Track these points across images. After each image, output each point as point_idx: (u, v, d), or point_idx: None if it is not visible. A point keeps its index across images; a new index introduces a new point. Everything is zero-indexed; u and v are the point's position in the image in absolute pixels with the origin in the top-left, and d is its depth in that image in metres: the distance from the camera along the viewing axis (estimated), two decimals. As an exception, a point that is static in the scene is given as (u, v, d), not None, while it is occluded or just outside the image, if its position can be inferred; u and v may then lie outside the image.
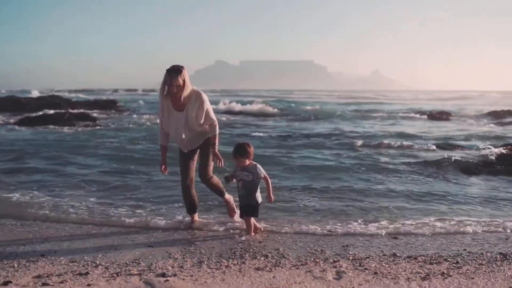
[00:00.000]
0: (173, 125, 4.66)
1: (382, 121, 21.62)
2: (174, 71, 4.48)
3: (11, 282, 3.20)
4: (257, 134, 14.83)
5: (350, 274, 3.49)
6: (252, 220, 4.65)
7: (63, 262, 3.69)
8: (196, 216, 5.04)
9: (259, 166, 4.60)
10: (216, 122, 4.81)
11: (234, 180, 4.65)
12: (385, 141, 12.29)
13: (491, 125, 19.37)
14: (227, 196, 5.03)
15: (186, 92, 4.56)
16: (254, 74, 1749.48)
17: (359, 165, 8.87)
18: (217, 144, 4.82)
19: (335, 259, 3.86)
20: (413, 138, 13.91)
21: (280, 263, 3.75)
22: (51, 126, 16.96)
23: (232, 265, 3.68)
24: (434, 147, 11.39)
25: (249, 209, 4.58)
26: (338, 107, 33.34)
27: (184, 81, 4.50)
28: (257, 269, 3.59)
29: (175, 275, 3.40)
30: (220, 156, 4.79)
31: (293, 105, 35.37)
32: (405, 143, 11.97)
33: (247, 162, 4.57)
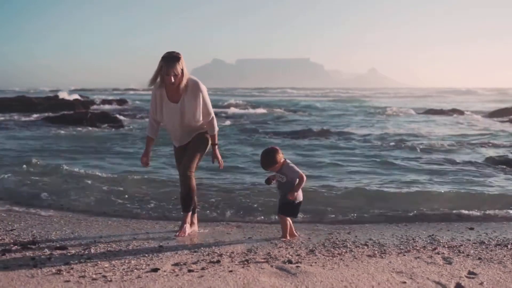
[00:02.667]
0: (168, 117, 4.34)
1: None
2: (172, 59, 4.09)
3: (159, 269, 3.50)
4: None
5: (456, 259, 3.80)
6: (289, 222, 4.48)
7: (185, 253, 3.97)
8: (194, 218, 4.77)
9: (291, 165, 4.37)
10: (214, 117, 4.48)
11: (272, 182, 4.46)
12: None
13: None
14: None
15: (183, 82, 4.20)
16: (250, 72, 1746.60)
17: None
18: (217, 143, 4.60)
19: (433, 247, 4.17)
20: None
21: (385, 251, 4.06)
22: (73, 127, 16.94)
23: (343, 253, 3.98)
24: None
25: (285, 207, 4.41)
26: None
27: (182, 69, 4.15)
28: (369, 256, 3.89)
29: (300, 262, 3.70)
30: (220, 158, 4.61)
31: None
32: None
33: (278, 166, 4.35)
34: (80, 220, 5.36)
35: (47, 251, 3.98)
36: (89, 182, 7.41)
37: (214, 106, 4.58)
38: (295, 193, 4.31)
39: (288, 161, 4.38)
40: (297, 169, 4.36)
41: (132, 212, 6.01)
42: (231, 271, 3.46)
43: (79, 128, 16.11)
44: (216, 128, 4.50)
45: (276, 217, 4.85)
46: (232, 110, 27.62)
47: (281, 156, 4.33)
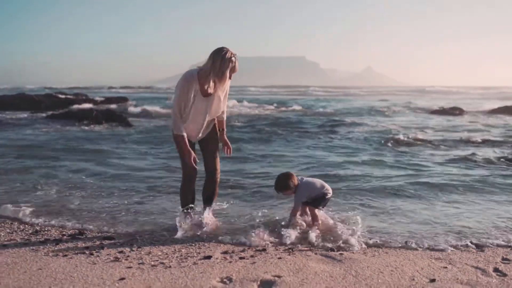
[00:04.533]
0: (196, 112, 4.28)
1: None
2: (235, 58, 4.18)
3: (211, 256, 3.71)
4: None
5: (487, 248, 4.03)
6: (316, 211, 4.64)
7: (226, 241, 4.18)
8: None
9: (299, 191, 4.51)
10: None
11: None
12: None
13: None
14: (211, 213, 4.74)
15: None
16: (246, 70, 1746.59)
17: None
18: (225, 129, 4.70)
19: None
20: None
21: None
22: (80, 125, 17.02)
23: (378, 242, 4.20)
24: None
25: (313, 201, 4.60)
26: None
27: None
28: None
29: (341, 249, 3.92)
30: (229, 143, 4.69)
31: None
32: None
33: (291, 191, 4.52)
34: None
35: (97, 241, 4.18)
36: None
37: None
38: (324, 186, 4.59)
39: (304, 180, 4.56)
40: (299, 198, 4.52)
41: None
42: (279, 258, 3.68)
43: (86, 127, 16.17)
44: (226, 114, 4.62)
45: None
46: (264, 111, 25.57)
47: (292, 184, 4.47)
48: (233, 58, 4.12)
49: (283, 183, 4.47)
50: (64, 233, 4.51)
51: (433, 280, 3.22)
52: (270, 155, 9.69)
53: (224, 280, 3.23)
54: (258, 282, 3.20)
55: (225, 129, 4.68)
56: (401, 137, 12.43)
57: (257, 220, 4.71)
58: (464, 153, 9.66)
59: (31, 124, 16.39)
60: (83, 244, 4.08)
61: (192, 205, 4.62)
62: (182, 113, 4.25)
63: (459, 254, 3.84)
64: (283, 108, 26.63)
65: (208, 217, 4.63)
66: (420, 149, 10.54)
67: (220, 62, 4.07)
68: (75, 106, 23.84)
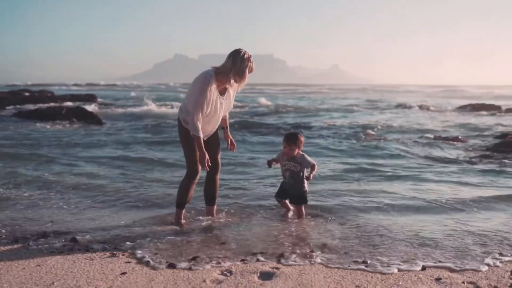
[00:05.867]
0: (213, 111, 4.34)
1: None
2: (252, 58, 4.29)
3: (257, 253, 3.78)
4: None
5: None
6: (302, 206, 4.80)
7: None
8: (183, 213, 4.70)
9: (306, 155, 4.66)
10: None
11: (272, 165, 4.83)
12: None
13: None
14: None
15: None
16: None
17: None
18: (228, 127, 4.83)
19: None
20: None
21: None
22: (50, 123, 16.59)
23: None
24: None
25: (299, 198, 4.73)
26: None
27: None
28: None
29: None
30: (233, 140, 4.81)
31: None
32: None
33: (296, 151, 4.62)
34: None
35: (88, 238, 4.14)
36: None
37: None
38: (305, 183, 4.66)
39: (302, 153, 4.68)
40: (311, 159, 4.66)
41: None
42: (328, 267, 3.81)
43: (59, 126, 15.82)
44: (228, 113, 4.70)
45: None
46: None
47: (302, 143, 4.66)
48: (251, 58, 4.27)
49: (298, 138, 4.62)
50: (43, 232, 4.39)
51: None
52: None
53: (225, 272, 3.33)
54: (258, 274, 3.31)
55: (228, 127, 4.80)
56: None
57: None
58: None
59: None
60: (73, 243, 4.04)
61: (187, 204, 4.67)
62: (203, 114, 4.26)
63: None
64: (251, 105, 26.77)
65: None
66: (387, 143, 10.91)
67: (240, 62, 4.21)
68: (44, 104, 23.29)
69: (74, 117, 17.87)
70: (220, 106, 4.38)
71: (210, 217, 4.79)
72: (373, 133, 13.44)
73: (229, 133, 4.79)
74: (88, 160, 8.55)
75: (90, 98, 32.12)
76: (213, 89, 4.26)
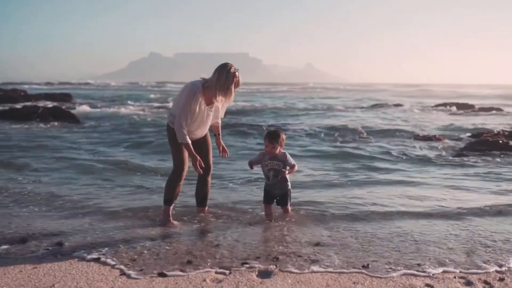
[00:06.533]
0: (198, 119, 4.41)
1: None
2: (238, 72, 4.29)
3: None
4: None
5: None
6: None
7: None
8: (171, 209, 4.74)
9: (288, 154, 4.60)
10: None
11: (255, 167, 4.75)
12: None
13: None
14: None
15: None
16: (188, 66, 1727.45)
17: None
18: (220, 133, 4.87)
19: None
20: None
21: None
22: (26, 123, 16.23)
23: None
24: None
25: (284, 198, 4.70)
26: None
27: None
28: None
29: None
30: (225, 147, 4.85)
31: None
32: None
33: (278, 150, 4.56)
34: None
35: (74, 243, 4.05)
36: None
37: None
38: (288, 182, 4.66)
39: (284, 151, 4.64)
40: (292, 159, 4.61)
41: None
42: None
43: (42, 125, 15.50)
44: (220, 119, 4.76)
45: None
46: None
47: (284, 141, 4.61)
48: (236, 73, 4.26)
49: (280, 136, 4.56)
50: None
51: None
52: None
53: (224, 272, 3.37)
54: (257, 272, 3.36)
55: (220, 134, 4.84)
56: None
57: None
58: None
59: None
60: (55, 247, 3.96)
61: (174, 200, 4.69)
62: (187, 123, 4.34)
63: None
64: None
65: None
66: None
67: (225, 78, 4.22)
68: (18, 103, 22.79)
69: (51, 116, 17.55)
70: (210, 115, 4.45)
71: (201, 219, 4.77)
72: (361, 131, 13.59)
73: (221, 139, 4.83)
74: (66, 163, 8.29)
75: (66, 98, 31.62)
76: (199, 100, 4.32)
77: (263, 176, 4.77)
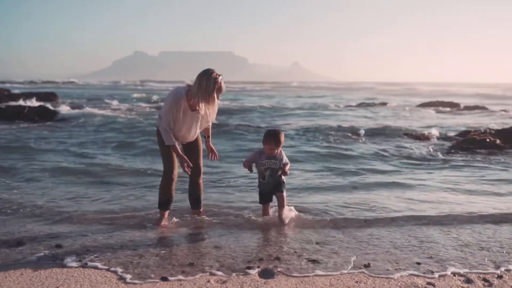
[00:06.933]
0: (186, 124, 4.42)
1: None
2: (221, 79, 4.23)
3: (320, 243, 3.82)
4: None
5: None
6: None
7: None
8: (167, 214, 4.76)
9: (283, 153, 4.62)
10: None
11: (252, 169, 4.67)
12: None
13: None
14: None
15: None
16: (173, 65, 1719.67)
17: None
18: (210, 136, 4.86)
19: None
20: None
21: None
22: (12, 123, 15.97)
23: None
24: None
25: (278, 186, 4.62)
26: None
27: None
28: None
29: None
30: (215, 150, 4.80)
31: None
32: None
33: (278, 151, 4.56)
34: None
35: (71, 246, 4.06)
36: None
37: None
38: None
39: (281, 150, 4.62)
40: (286, 158, 4.65)
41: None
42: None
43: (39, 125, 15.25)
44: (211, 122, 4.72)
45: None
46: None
47: (283, 142, 4.56)
48: (218, 79, 4.18)
49: (281, 136, 4.52)
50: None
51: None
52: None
53: (227, 273, 3.38)
54: (260, 273, 3.38)
55: (210, 136, 4.83)
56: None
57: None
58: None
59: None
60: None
61: (169, 206, 4.71)
62: (171, 127, 4.37)
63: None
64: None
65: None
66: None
67: (206, 85, 4.15)
68: (1, 103, 22.34)
69: (37, 116, 17.29)
70: (196, 120, 4.43)
71: (199, 221, 4.74)
72: (352, 131, 13.65)
73: (210, 142, 4.82)
74: (54, 165, 8.11)
75: (51, 97, 31.15)
76: (182, 106, 4.31)
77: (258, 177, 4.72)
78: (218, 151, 4.89)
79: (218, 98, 4.31)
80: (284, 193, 4.69)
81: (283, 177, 4.65)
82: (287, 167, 4.61)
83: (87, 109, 21.81)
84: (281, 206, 4.67)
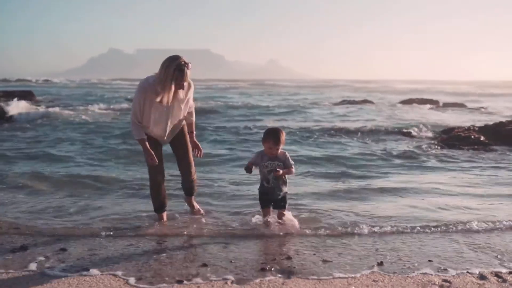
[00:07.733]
0: (157, 119, 4.20)
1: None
2: (186, 66, 3.96)
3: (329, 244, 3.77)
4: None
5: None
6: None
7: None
8: (165, 215, 4.68)
9: (287, 154, 4.35)
10: (193, 105, 4.54)
11: (253, 169, 4.35)
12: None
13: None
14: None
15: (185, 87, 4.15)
16: (149, 62, 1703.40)
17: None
18: (195, 132, 4.66)
19: None
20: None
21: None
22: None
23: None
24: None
25: (281, 201, 4.45)
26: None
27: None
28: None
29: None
30: (200, 146, 4.63)
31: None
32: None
33: (279, 150, 4.29)
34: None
35: (77, 250, 3.96)
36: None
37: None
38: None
39: (284, 150, 4.37)
40: (292, 160, 4.38)
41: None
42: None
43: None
44: (194, 117, 4.60)
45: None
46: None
47: (284, 141, 4.31)
48: (182, 67, 3.93)
49: (281, 136, 4.24)
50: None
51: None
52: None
53: (244, 275, 3.33)
54: (276, 274, 3.34)
55: (194, 132, 4.62)
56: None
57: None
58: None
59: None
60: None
61: (165, 208, 4.64)
62: (139, 119, 4.18)
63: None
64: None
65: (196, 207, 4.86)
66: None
67: (165, 71, 3.94)
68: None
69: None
70: (166, 113, 4.20)
71: (201, 225, 4.58)
72: (339, 131, 13.57)
73: (194, 138, 4.61)
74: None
75: (27, 96, 30.31)
76: (149, 97, 4.07)
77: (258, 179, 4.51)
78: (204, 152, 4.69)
79: (181, 88, 4.06)
80: (286, 212, 4.50)
81: (286, 187, 4.40)
82: (292, 171, 4.32)
83: (64, 109, 20.79)
84: (280, 218, 4.50)
